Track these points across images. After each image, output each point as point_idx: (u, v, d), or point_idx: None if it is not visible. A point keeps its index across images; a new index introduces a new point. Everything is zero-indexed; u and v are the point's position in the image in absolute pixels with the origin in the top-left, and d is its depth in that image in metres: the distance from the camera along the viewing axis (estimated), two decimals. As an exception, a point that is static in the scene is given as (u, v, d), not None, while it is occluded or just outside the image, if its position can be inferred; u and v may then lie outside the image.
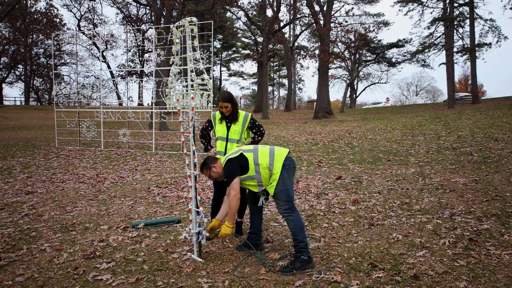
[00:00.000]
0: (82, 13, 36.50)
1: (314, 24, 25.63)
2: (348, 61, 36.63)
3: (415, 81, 65.08)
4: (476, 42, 25.44)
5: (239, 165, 3.13)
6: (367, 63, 38.05)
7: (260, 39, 30.65)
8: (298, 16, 26.47)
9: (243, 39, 43.58)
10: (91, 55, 39.09)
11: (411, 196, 5.00)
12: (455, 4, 25.59)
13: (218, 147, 3.75)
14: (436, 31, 28.28)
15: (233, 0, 20.84)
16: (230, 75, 53.03)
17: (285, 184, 3.15)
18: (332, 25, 23.80)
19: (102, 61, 27.28)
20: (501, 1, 27.51)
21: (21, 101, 39.32)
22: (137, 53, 30.64)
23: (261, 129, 3.85)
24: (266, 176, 3.17)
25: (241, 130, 3.73)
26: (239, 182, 3.16)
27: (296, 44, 35.66)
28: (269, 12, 27.39)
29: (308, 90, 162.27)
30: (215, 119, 3.80)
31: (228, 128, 3.72)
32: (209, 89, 3.27)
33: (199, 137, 3.95)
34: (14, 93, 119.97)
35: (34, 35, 35.81)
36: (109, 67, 33.13)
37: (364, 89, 51.69)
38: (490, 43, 26.05)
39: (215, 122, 3.80)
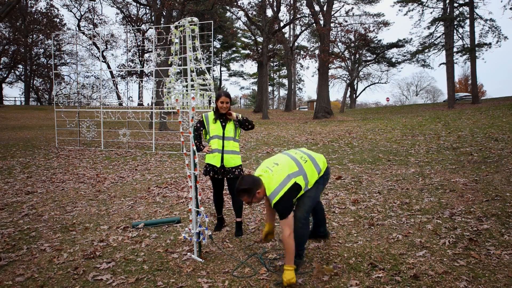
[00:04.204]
0: (82, 13, 36.56)
1: (314, 24, 25.65)
2: (348, 61, 36.62)
3: (415, 81, 65.16)
4: (476, 42, 25.45)
5: (293, 198, 2.90)
6: (367, 63, 38.04)
7: (260, 39, 30.66)
8: (298, 16, 26.47)
9: (243, 39, 43.61)
10: (91, 55, 39.18)
11: (411, 196, 5.00)
12: (455, 4, 25.60)
13: (215, 145, 3.76)
14: (436, 31, 28.32)
15: (233, 0, 20.83)
16: (230, 75, 53.07)
17: (317, 191, 3.08)
18: (332, 25, 23.81)
19: (102, 61, 27.30)
20: (501, 1, 27.52)
21: (21, 101, 39.38)
22: (137, 53, 30.71)
23: (249, 119, 3.94)
24: (312, 181, 3.08)
25: (235, 128, 3.82)
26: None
27: (296, 44, 35.67)
28: (269, 12, 27.40)
29: (308, 90, 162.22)
30: (208, 119, 3.81)
31: (224, 127, 3.77)
32: (211, 89, 3.27)
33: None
34: (14, 93, 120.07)
35: (34, 35, 35.82)
36: (109, 67, 33.14)
37: (364, 89, 51.69)
38: (490, 43, 26.07)
39: (208, 123, 3.80)
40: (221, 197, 4.03)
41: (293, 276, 2.70)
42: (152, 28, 13.54)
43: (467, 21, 25.71)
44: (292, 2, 25.56)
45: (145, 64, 31.50)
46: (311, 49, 36.79)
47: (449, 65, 24.28)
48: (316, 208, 3.41)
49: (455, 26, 26.15)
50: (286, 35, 35.72)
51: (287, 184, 2.80)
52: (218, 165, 3.75)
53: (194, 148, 3.27)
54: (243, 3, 25.21)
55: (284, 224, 2.76)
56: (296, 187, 2.84)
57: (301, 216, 2.97)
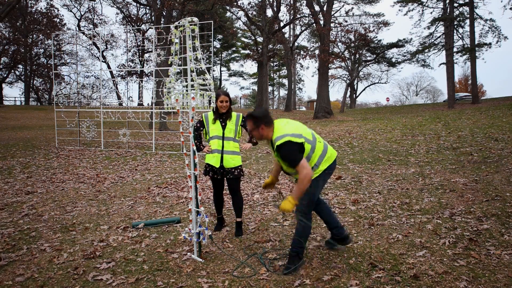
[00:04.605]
0: (82, 13, 36.57)
1: (314, 24, 25.63)
2: (348, 61, 36.61)
3: (415, 81, 65.16)
4: (476, 42, 25.45)
5: (298, 151, 2.86)
6: (367, 63, 38.04)
7: (260, 39, 30.65)
8: (298, 16, 26.46)
9: (243, 39, 43.62)
10: (91, 55, 39.18)
11: (411, 196, 5.00)
12: (455, 4, 25.60)
13: (214, 146, 3.76)
14: (436, 31, 28.32)
15: (233, 0, 20.82)
16: (230, 75, 53.08)
17: (316, 187, 3.01)
18: (332, 25, 23.80)
19: (102, 61, 27.29)
20: (501, 1, 27.52)
21: (21, 101, 39.38)
22: (137, 53, 30.70)
23: None
24: (314, 161, 3.01)
25: (235, 129, 3.81)
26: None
27: (296, 44, 35.67)
28: (269, 12, 27.40)
29: (308, 90, 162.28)
30: (208, 119, 3.81)
31: (224, 127, 3.76)
32: (211, 89, 3.27)
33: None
34: (14, 93, 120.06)
35: (34, 35, 35.83)
36: (109, 67, 33.14)
37: (364, 89, 51.71)
38: (490, 43, 26.07)
39: (208, 123, 3.80)
40: (221, 197, 4.03)
41: (290, 207, 2.80)
42: (152, 28, 13.53)
43: (467, 21, 25.72)
44: (292, 2, 25.56)
45: (145, 64, 31.50)
46: (311, 49, 36.79)
47: (449, 65, 24.27)
48: (318, 209, 3.33)
49: (455, 26, 26.15)
50: (286, 35, 35.73)
51: (296, 138, 2.82)
52: (217, 165, 3.75)
53: (194, 148, 3.27)
54: (243, 3, 25.21)
55: (301, 166, 2.78)
56: (302, 147, 2.85)
57: (298, 210, 2.99)
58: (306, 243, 3.09)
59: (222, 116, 3.78)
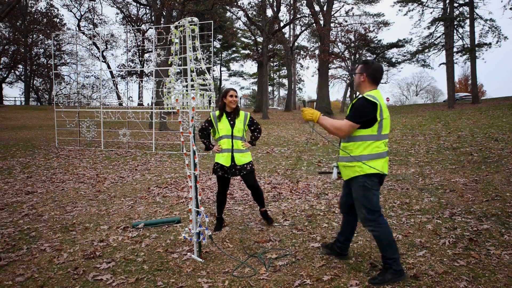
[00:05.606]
0: (82, 13, 36.56)
1: (314, 24, 25.64)
2: (348, 61, 36.63)
3: (415, 81, 65.21)
4: (476, 42, 25.46)
5: (366, 111, 2.60)
6: (367, 63, 38.00)
7: (260, 39, 30.66)
8: (298, 16, 26.47)
9: (243, 39, 43.61)
10: (91, 55, 39.20)
11: (411, 196, 5.00)
12: (455, 4, 25.61)
13: (225, 145, 3.80)
14: (436, 31, 28.34)
15: (233, 0, 20.83)
16: (230, 75, 53.08)
17: (364, 190, 2.70)
18: (332, 25, 23.82)
19: (102, 61, 27.32)
20: (501, 1, 27.50)
21: (21, 101, 39.37)
22: (137, 53, 30.70)
23: (258, 126, 4.08)
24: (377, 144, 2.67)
25: (243, 128, 3.86)
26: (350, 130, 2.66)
27: (296, 44, 35.68)
28: (269, 12, 27.41)
29: (308, 90, 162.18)
30: (216, 118, 3.85)
31: (232, 126, 3.80)
32: (211, 89, 3.27)
33: (199, 137, 4.00)
34: (14, 93, 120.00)
35: (34, 35, 35.83)
36: (109, 67, 33.16)
37: (364, 89, 51.69)
38: (490, 43, 26.09)
39: (216, 122, 3.84)
40: (225, 197, 4.05)
41: (307, 116, 2.76)
42: (152, 28, 13.54)
43: (467, 21, 25.72)
44: (292, 2, 25.57)
45: (145, 64, 31.49)
46: (311, 49, 36.82)
47: (449, 65, 24.28)
48: (348, 218, 3.07)
49: (455, 26, 26.15)
50: (286, 35, 35.74)
51: (372, 98, 2.61)
52: (228, 164, 3.79)
53: (194, 148, 3.27)
54: (243, 3, 25.22)
55: (346, 121, 2.67)
56: (375, 106, 2.60)
57: (361, 218, 2.79)
58: (397, 253, 2.73)
59: (230, 114, 3.82)
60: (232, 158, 3.79)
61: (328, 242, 3.40)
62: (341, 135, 2.72)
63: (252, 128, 4.02)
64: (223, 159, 3.79)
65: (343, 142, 2.84)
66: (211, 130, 3.91)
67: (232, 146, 3.79)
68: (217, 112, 3.87)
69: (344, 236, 3.12)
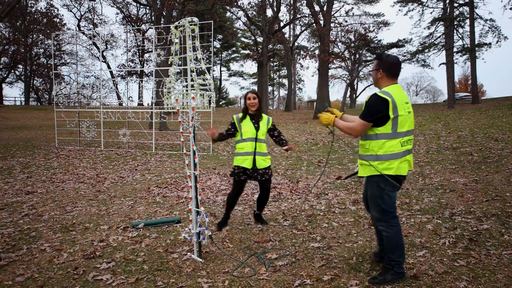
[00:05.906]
0: (82, 13, 36.54)
1: (314, 24, 25.63)
2: (348, 61, 36.61)
3: (415, 81, 65.24)
4: (476, 42, 25.44)
5: (377, 109, 2.54)
6: (367, 63, 38.03)
7: (260, 39, 30.66)
8: (298, 16, 26.47)
9: (243, 39, 43.63)
10: (91, 55, 39.16)
11: (411, 196, 5.00)
12: (455, 4, 25.59)
13: (248, 148, 3.78)
14: (436, 31, 28.30)
15: (233, 0, 20.83)
16: (230, 75, 53.10)
17: (379, 189, 2.66)
18: (332, 25, 23.80)
19: (102, 61, 27.32)
20: (501, 1, 27.45)
21: (21, 101, 39.37)
22: (137, 53, 30.70)
23: (279, 130, 4.11)
24: (381, 152, 2.59)
25: (266, 131, 3.90)
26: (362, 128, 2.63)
27: (296, 44, 35.67)
28: (269, 12, 27.41)
29: (308, 90, 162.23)
30: (239, 121, 3.87)
31: (257, 129, 3.82)
32: (211, 89, 3.27)
33: (218, 136, 3.82)
34: (14, 93, 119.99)
35: (34, 35, 35.81)
36: (109, 67, 33.16)
37: (364, 89, 51.65)
38: (490, 43, 26.06)
39: (240, 125, 3.85)
40: (237, 200, 4.06)
41: (324, 121, 2.83)
42: (152, 28, 13.54)
43: (467, 21, 25.70)
44: (292, 2, 25.57)
45: (145, 64, 31.48)
46: (311, 49, 36.77)
47: (449, 65, 24.27)
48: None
49: (455, 26, 26.14)
50: (286, 35, 35.75)
51: (384, 95, 2.55)
52: (250, 167, 3.78)
53: (194, 148, 3.27)
54: (243, 3, 25.22)
55: (359, 120, 2.65)
56: (387, 104, 2.52)
57: (374, 218, 2.78)
58: (402, 258, 2.72)
59: (254, 117, 3.85)
60: (254, 161, 3.78)
61: (377, 251, 3.12)
62: (354, 134, 2.72)
63: (276, 133, 3.98)
64: (246, 162, 3.76)
65: (360, 140, 2.82)
66: (233, 133, 3.88)
67: (255, 148, 3.79)
68: (240, 115, 3.89)
69: (379, 235, 3.00)
